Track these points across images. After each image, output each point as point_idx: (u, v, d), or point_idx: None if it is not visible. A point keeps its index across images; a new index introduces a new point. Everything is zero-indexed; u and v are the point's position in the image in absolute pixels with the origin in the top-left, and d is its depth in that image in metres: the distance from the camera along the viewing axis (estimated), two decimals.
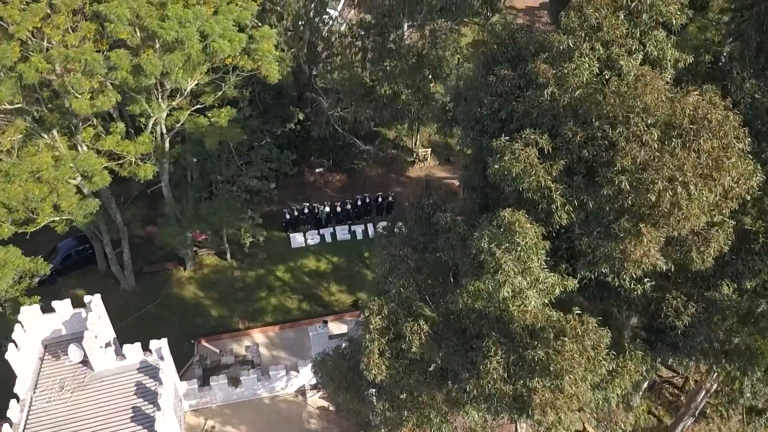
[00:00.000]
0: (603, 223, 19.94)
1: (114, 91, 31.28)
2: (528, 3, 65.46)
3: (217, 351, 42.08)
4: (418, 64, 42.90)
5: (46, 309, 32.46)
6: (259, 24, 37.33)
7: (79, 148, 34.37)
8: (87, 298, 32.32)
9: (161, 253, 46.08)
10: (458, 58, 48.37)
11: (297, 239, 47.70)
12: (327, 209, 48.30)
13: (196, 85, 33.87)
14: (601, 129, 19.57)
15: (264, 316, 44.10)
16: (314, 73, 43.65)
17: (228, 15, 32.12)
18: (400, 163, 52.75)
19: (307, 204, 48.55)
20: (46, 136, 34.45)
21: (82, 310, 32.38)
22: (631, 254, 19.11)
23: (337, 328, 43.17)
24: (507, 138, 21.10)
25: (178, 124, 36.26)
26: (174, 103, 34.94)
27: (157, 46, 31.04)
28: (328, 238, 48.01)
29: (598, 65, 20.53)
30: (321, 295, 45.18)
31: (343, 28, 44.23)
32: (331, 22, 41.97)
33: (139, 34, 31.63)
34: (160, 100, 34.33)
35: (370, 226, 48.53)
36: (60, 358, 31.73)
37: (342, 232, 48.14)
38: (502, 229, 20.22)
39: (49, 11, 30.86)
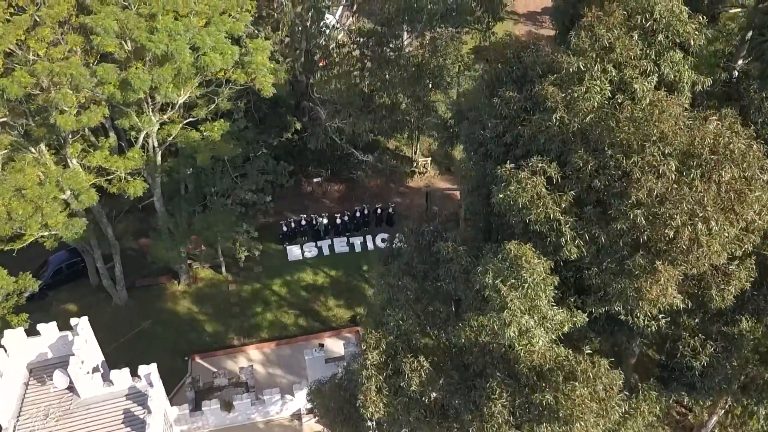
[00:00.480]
0: (616, 258, 18.50)
1: (101, 107, 29.81)
2: (529, 8, 63.91)
3: (212, 369, 40.73)
4: (417, 73, 41.45)
5: (34, 328, 31.10)
6: (258, 31, 35.90)
7: (69, 162, 32.89)
8: (74, 321, 30.89)
9: (155, 267, 44.52)
10: (459, 66, 46.97)
11: (294, 252, 46.26)
12: (325, 221, 46.87)
13: (188, 98, 32.38)
14: (614, 158, 18.13)
15: (260, 332, 42.71)
16: (311, 81, 42.17)
17: (220, 27, 30.62)
18: (400, 173, 51.28)
19: (305, 215, 47.13)
20: (33, 149, 33.03)
21: (68, 333, 30.95)
22: (646, 293, 17.68)
23: (334, 344, 41.81)
24: (513, 165, 19.66)
25: (171, 138, 34.80)
26: (165, 117, 33.46)
27: (147, 59, 29.55)
28: (326, 251, 46.58)
29: (610, 88, 19.08)
30: (318, 310, 43.77)
31: (341, 36, 42.72)
32: (328, 30, 40.51)
33: (127, 46, 30.19)
34: (150, 113, 32.86)
35: (369, 238, 47.09)
36: (45, 384, 30.27)
37: (340, 245, 46.71)
38: (507, 263, 18.81)
39: (37, 20, 29.44)
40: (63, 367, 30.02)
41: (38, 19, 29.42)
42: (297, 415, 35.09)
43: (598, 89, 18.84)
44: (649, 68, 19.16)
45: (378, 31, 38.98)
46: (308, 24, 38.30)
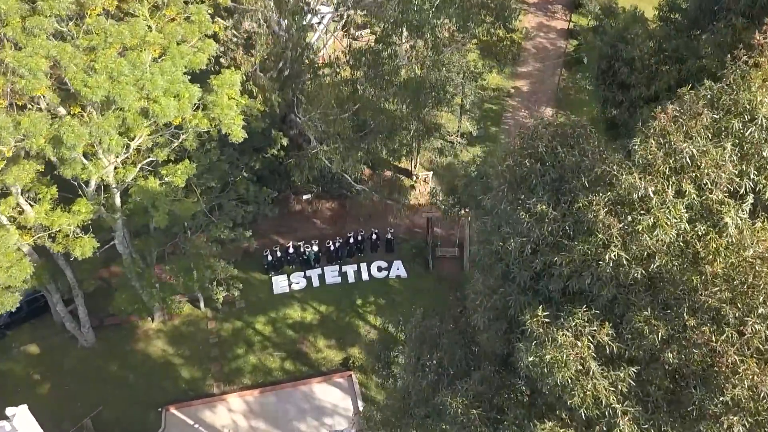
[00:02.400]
0: None
1: (32, 162, 23.75)
2: None
3: (188, 421, 35.67)
4: (416, 95, 35.13)
5: None
6: (229, 52, 29.43)
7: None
8: (10, 411, 25.54)
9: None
10: (464, 74, 40.54)
11: (280, 283, 40.58)
12: (315, 248, 41.11)
13: (138, 146, 26.24)
14: (698, 329, 12.33)
15: (241, 378, 37.41)
16: (298, 96, 35.74)
17: (177, 60, 24.24)
18: (398, 189, 45.28)
19: (292, 242, 41.33)
20: None
21: (5, 423, 25.65)
22: None
23: (324, 391, 36.70)
24: (546, 313, 13.84)
25: (128, 181, 28.70)
26: (118, 161, 27.35)
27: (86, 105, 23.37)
28: (316, 281, 40.86)
29: (687, 215, 13.12)
30: (307, 352, 38.36)
31: (329, 44, 36.14)
32: (310, 53, 33.91)
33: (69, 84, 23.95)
34: (102, 156, 26.73)
35: (363, 266, 41.36)
36: None
37: (331, 275, 40.98)
38: None
39: None
40: None
41: None
42: None
43: (672, 222, 12.88)
44: (743, 188, 13.16)
45: (372, 49, 32.53)
46: (287, 42, 31.57)
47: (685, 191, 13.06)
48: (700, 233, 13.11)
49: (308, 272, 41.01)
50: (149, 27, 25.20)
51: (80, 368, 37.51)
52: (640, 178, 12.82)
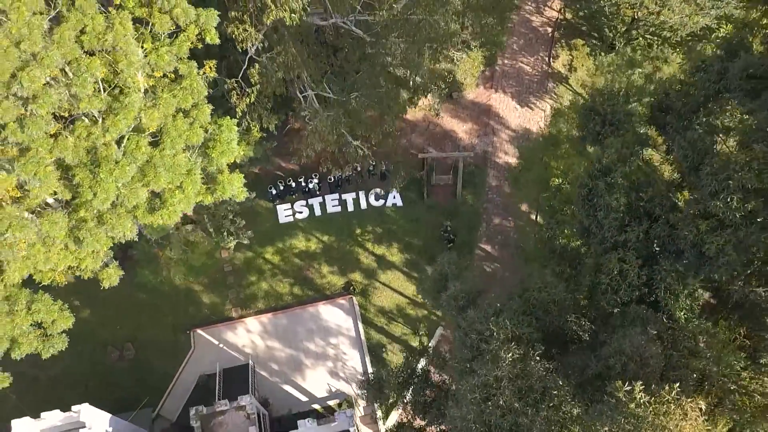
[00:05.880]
0: None
1: (62, 253, 25.76)
2: None
3: (214, 341, 41.68)
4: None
5: None
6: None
7: None
8: (75, 408, 31.03)
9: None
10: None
11: (285, 213, 43.75)
12: (316, 181, 43.48)
13: None
14: None
15: (256, 303, 42.80)
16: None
17: (176, 141, 24.85)
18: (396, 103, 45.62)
19: (292, 178, 43.54)
20: None
21: (71, 413, 31.33)
22: None
23: (328, 312, 42.16)
24: None
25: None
26: None
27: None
28: (318, 210, 43.93)
29: None
30: (312, 278, 43.16)
31: None
32: None
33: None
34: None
35: (362, 194, 44.15)
36: None
37: (332, 203, 43.95)
38: None
39: None
40: None
41: None
42: None
43: None
44: None
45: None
46: None
47: None
48: None
49: (310, 200, 43.91)
50: (145, 91, 25.33)
51: (112, 296, 42.25)
52: None
